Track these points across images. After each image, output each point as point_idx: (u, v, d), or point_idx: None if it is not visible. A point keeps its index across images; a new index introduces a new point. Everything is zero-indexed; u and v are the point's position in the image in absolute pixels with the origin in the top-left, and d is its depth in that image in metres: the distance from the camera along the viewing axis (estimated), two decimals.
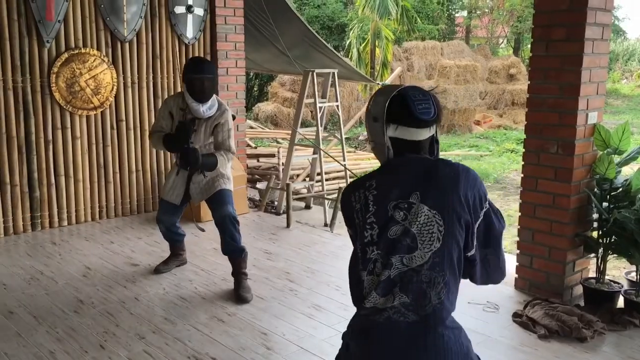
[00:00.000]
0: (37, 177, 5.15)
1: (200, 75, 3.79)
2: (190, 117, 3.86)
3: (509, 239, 5.98)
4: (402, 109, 1.79)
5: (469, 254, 1.79)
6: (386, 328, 1.72)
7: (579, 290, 3.90)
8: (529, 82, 3.86)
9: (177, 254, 4.46)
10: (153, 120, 5.80)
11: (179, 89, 5.94)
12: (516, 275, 4.05)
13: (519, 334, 3.42)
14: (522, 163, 3.95)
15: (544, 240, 3.85)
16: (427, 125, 1.81)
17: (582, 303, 3.83)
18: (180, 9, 5.83)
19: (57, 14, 5.04)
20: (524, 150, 3.93)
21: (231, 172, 4.10)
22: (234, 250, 3.98)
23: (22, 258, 4.57)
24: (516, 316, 3.61)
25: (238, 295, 3.87)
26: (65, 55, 5.16)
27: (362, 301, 1.74)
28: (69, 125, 5.29)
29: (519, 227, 4.01)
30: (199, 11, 5.95)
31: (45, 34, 5.01)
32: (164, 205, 4.12)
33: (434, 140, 1.87)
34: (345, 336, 1.85)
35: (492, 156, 11.09)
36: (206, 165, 3.86)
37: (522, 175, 3.95)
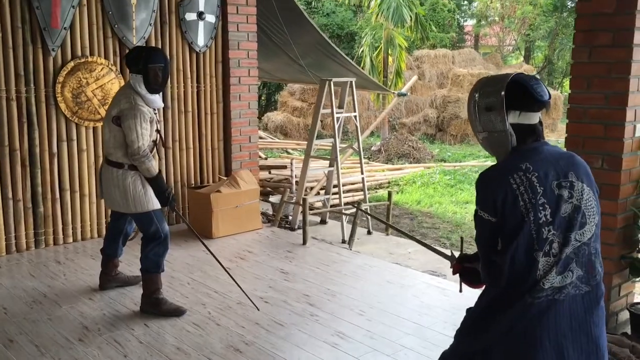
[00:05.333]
0: (41, 192, 4.90)
1: (162, 64, 3.68)
2: (151, 105, 3.67)
3: None
4: (524, 94, 1.91)
5: None
6: (568, 304, 1.86)
7: (624, 315, 3.60)
8: (569, 92, 3.58)
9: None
10: (163, 132, 5.54)
11: (189, 98, 5.70)
12: None
13: None
14: None
15: None
16: (544, 108, 1.95)
17: (628, 331, 3.52)
18: (191, 16, 5.59)
19: (63, 21, 4.81)
20: None
21: None
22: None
23: (24, 279, 4.30)
24: None
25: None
26: (72, 64, 4.92)
27: (538, 283, 1.82)
28: (74, 137, 5.04)
29: None
30: (210, 18, 5.71)
31: (50, 42, 4.78)
32: (161, 213, 3.85)
33: (540, 123, 1.98)
34: (511, 320, 1.86)
35: None
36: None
37: None
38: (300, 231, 5.42)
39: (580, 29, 3.47)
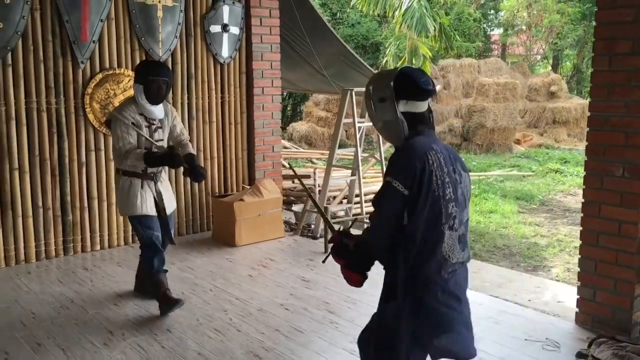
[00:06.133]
0: (70, 201, 5.04)
1: (162, 78, 3.84)
2: (144, 113, 3.85)
3: (561, 267, 5.63)
4: (410, 85, 2.12)
5: None
6: (463, 277, 2.19)
7: None
8: (589, 100, 3.56)
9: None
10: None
11: (214, 109, 5.81)
12: (577, 309, 3.71)
13: None
14: (583, 187, 3.64)
15: (609, 272, 3.51)
16: (430, 96, 2.18)
17: None
18: (215, 28, 5.71)
19: (91, 35, 4.96)
20: (584, 173, 3.62)
21: None
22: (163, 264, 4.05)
23: (53, 285, 4.42)
24: (580, 356, 3.27)
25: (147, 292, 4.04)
26: (100, 75, 5.07)
27: (446, 260, 2.07)
28: (102, 147, 5.18)
29: (579, 256, 3.68)
30: (234, 30, 5.83)
31: (79, 54, 4.93)
32: (151, 221, 3.94)
33: (430, 111, 2.21)
34: (431, 300, 2.08)
35: (535, 177, 10.67)
36: (195, 161, 3.98)
37: (583, 200, 3.63)
38: (322, 240, 5.45)
39: (599, 37, 3.46)
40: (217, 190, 5.93)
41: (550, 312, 4.03)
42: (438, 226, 2.04)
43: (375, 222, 2.12)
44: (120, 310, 3.96)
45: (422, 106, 2.17)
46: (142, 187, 3.91)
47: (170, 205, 4.06)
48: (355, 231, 2.50)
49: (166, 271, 4.06)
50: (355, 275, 2.23)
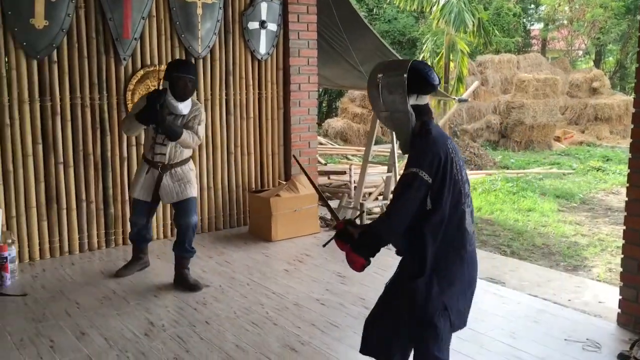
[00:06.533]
0: (111, 194, 5.17)
1: (185, 75, 4.07)
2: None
3: (603, 267, 5.50)
4: (422, 80, 2.22)
5: None
6: (474, 249, 2.37)
7: None
8: (633, 96, 3.47)
9: (138, 257, 4.63)
10: (225, 136, 5.74)
11: (251, 105, 5.87)
12: (619, 310, 3.63)
13: None
14: (627, 185, 3.55)
15: None
16: (434, 91, 2.31)
17: None
18: (253, 25, 5.76)
19: (133, 32, 5.07)
20: (628, 170, 3.54)
21: (194, 176, 4.40)
22: (187, 251, 4.31)
23: (95, 276, 4.55)
24: (622, 357, 3.20)
25: (189, 285, 4.24)
26: (141, 72, 5.18)
27: (467, 231, 2.27)
28: (143, 142, 5.28)
29: (622, 256, 3.60)
30: (272, 27, 5.87)
31: (122, 51, 5.05)
32: (138, 206, 4.38)
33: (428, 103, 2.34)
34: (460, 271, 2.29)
35: (576, 175, 10.44)
36: (171, 128, 4.05)
37: (627, 198, 3.55)
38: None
39: None
40: (253, 186, 6.00)
41: (591, 312, 3.95)
42: (459, 206, 2.23)
43: (397, 210, 2.21)
44: (159, 301, 4.05)
45: (426, 99, 2.30)
46: (147, 172, 4.26)
47: (167, 197, 4.25)
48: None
49: (145, 243, 4.59)
50: (360, 260, 2.32)
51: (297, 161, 3.18)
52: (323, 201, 2.66)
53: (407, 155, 2.28)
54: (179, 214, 4.26)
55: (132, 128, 4.22)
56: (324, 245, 2.61)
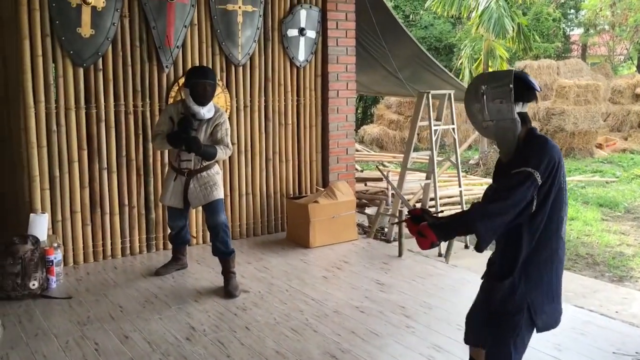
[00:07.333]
0: (153, 199, 5.25)
1: (204, 80, 4.18)
2: (191, 113, 4.20)
3: None
4: (528, 88, 2.32)
5: None
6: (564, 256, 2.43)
7: None
8: None
9: (177, 258, 4.78)
10: (264, 143, 5.78)
11: (289, 112, 5.90)
12: None
13: None
14: None
15: None
16: (536, 98, 2.40)
17: None
18: (292, 32, 5.79)
19: (176, 40, 5.15)
20: None
21: (221, 179, 4.50)
22: (224, 253, 4.35)
23: (137, 280, 4.62)
24: None
25: (227, 291, 4.27)
26: (183, 79, 5.25)
27: (561, 237, 2.34)
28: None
29: None
30: (311, 34, 5.89)
31: (164, 59, 5.13)
32: (171, 212, 4.56)
33: None
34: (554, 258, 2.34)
35: (619, 183, 10.17)
36: (207, 152, 4.21)
37: None
38: (396, 243, 5.42)
39: None
40: (291, 192, 6.01)
41: None
42: (558, 212, 2.29)
43: (504, 208, 2.23)
44: (200, 306, 4.09)
45: (527, 107, 2.39)
46: (175, 179, 4.38)
47: (195, 201, 4.36)
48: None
49: (183, 244, 4.79)
50: (433, 237, 2.34)
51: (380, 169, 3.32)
52: (395, 191, 2.89)
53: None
54: (208, 215, 4.38)
55: (163, 147, 4.45)
56: (394, 224, 2.78)
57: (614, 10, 20.65)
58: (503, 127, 2.32)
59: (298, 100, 5.97)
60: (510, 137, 2.32)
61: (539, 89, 2.34)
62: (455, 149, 6.30)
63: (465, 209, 6.28)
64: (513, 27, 11.05)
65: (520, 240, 2.29)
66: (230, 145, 4.40)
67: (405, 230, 5.79)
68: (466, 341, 2.58)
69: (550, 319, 2.37)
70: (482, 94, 2.32)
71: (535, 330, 2.36)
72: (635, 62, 22.68)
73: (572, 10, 23.08)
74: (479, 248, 2.35)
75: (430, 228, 2.36)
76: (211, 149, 4.24)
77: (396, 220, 2.77)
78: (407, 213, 2.58)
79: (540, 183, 2.21)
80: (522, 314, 2.30)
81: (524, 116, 2.34)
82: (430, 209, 2.84)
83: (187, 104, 4.23)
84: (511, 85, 2.27)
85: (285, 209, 5.94)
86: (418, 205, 6.97)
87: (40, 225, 4.53)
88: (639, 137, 14.44)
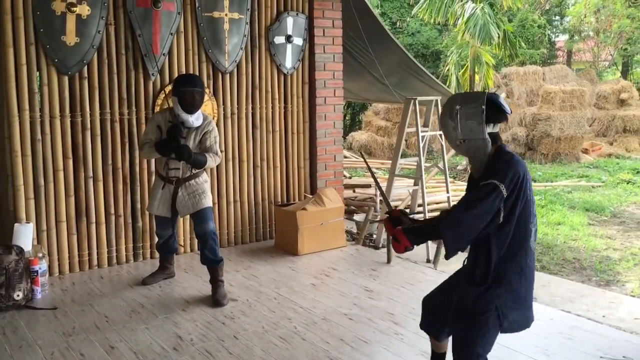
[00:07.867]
0: (139, 208, 5.21)
1: (192, 88, 4.16)
2: (180, 121, 4.19)
3: (637, 282, 5.37)
4: (499, 111, 2.46)
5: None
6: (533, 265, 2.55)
7: None
8: None
9: (165, 267, 4.75)
10: (251, 150, 5.76)
11: (277, 119, 5.89)
12: None
13: None
14: None
15: None
16: (507, 120, 2.53)
17: None
18: (279, 39, 5.79)
19: (162, 47, 5.13)
20: None
21: (209, 187, 4.49)
22: (213, 261, 4.32)
23: (124, 289, 4.57)
24: None
25: (215, 300, 4.23)
26: (169, 87, 5.23)
27: (530, 248, 2.45)
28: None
29: None
30: (298, 41, 5.90)
31: (150, 67, 5.11)
32: (159, 221, 4.53)
33: None
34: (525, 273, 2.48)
35: (605, 187, 10.25)
36: (197, 160, 4.20)
37: None
38: (385, 249, 5.41)
39: None
40: (279, 199, 6.00)
41: (627, 329, 3.85)
42: (527, 224, 2.41)
43: (472, 218, 2.36)
44: (187, 315, 4.05)
45: (498, 127, 2.52)
46: (162, 187, 4.35)
47: (184, 210, 4.33)
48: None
49: (171, 254, 4.73)
50: (407, 242, 2.48)
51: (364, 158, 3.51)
52: (380, 191, 3.01)
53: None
54: (197, 223, 4.36)
55: (152, 156, 4.39)
56: (375, 222, 2.89)
57: (598, 17, 20.89)
58: (475, 145, 2.46)
59: (285, 107, 5.96)
60: (481, 155, 2.47)
61: (509, 112, 2.47)
62: (442, 155, 6.32)
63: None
64: (499, 34, 11.13)
65: (489, 250, 2.45)
66: (219, 152, 4.41)
67: None
68: (423, 327, 2.82)
69: (514, 324, 2.51)
70: (456, 114, 2.45)
71: (500, 330, 2.50)
72: (620, 67, 22.96)
73: (557, 17, 23.32)
74: (447, 255, 2.51)
75: (404, 233, 2.49)
76: (201, 157, 4.24)
77: (377, 220, 2.91)
78: (385, 213, 2.73)
79: (506, 195, 2.34)
80: (490, 313, 2.43)
81: (494, 136, 2.47)
82: (418, 214, 3.03)
83: (175, 112, 4.22)
84: (483, 107, 2.40)
85: (273, 217, 5.92)
86: (407, 210, 6.98)
87: (25, 235, 4.48)
88: (624, 142, 14.59)
